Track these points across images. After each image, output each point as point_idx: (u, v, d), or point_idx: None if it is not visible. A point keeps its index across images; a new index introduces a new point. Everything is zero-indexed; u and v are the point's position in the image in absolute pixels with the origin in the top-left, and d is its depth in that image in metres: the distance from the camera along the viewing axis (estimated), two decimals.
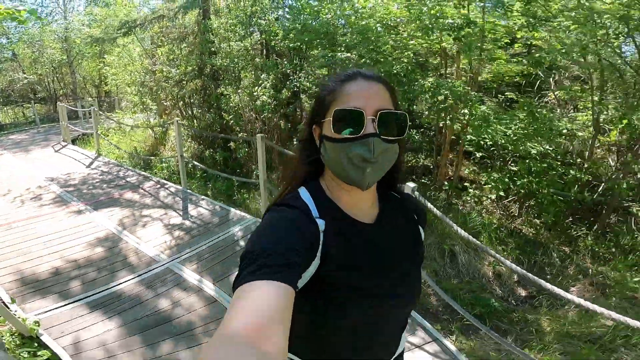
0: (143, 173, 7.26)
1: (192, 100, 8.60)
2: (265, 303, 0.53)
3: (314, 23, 6.64)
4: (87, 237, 4.44)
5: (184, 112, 9.00)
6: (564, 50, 4.72)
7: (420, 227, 0.94)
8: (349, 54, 5.83)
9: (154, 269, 3.75)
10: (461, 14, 5.02)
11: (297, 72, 7.00)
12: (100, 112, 11.66)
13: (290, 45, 6.77)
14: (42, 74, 18.36)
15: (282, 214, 0.75)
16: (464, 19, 4.90)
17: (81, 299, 3.26)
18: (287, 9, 8.62)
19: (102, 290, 3.40)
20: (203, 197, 5.77)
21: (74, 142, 11.10)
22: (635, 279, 4.01)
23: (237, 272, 0.63)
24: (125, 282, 3.54)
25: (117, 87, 13.92)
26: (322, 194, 0.83)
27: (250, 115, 6.88)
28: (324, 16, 6.50)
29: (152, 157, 8.39)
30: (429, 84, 5.11)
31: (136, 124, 9.93)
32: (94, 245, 4.23)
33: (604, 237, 4.89)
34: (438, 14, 5.06)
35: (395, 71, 5.43)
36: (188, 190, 6.00)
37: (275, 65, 7.02)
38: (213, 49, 7.38)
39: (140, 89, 8.65)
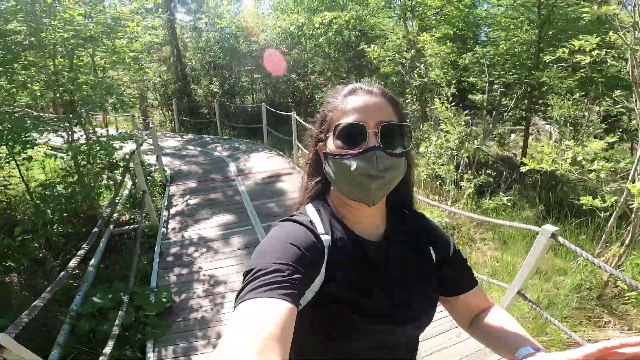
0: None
1: (173, 96, 13.28)
2: (265, 322, 0.48)
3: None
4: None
5: (165, 105, 13.64)
6: None
7: (431, 248, 0.80)
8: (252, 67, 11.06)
9: (177, 147, 8.69)
10: None
11: (233, 76, 12.05)
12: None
13: (227, 62, 11.82)
14: None
15: (286, 229, 0.67)
16: None
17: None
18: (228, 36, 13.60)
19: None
20: (189, 134, 10.70)
21: None
22: None
23: (240, 288, 0.56)
24: (168, 149, 8.42)
25: None
26: (328, 211, 0.74)
27: (208, 99, 11.84)
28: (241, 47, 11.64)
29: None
30: None
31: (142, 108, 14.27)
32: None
33: None
34: None
35: None
36: (180, 133, 10.84)
37: (220, 73, 12.02)
38: (186, 68, 12.20)
39: (140, 91, 13.16)
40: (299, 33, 7.78)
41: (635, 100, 2.17)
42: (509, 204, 3.68)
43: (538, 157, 3.12)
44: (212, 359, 0.44)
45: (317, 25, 6.56)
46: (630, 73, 2.05)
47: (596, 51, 2.14)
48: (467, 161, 4.04)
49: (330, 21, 6.32)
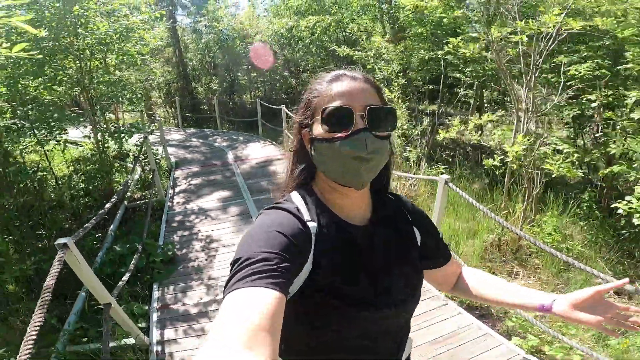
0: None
1: (176, 94, 14.03)
2: (254, 312, 0.47)
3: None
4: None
5: (168, 102, 14.41)
6: None
7: (415, 228, 0.81)
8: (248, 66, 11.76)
9: (181, 140, 9.41)
10: None
11: (231, 75, 12.76)
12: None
13: (225, 62, 12.52)
14: None
15: (272, 217, 0.66)
16: None
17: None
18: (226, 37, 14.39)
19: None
20: (192, 128, 11.43)
21: None
22: None
23: (227, 277, 0.55)
24: (173, 141, 9.15)
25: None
26: (314, 197, 0.73)
27: (209, 96, 12.57)
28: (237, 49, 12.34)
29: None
30: None
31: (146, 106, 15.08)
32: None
33: None
34: None
35: None
36: (183, 128, 11.56)
37: (220, 72, 12.76)
38: (188, 68, 12.93)
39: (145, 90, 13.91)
40: (289, 35, 8.43)
41: (508, 85, 2.80)
42: (444, 171, 4.34)
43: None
44: (202, 351, 0.42)
45: (302, 28, 7.24)
46: (497, 62, 2.67)
47: (472, 46, 2.78)
48: (423, 142, 4.71)
49: (314, 24, 6.99)
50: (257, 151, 7.81)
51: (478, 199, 3.46)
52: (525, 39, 2.59)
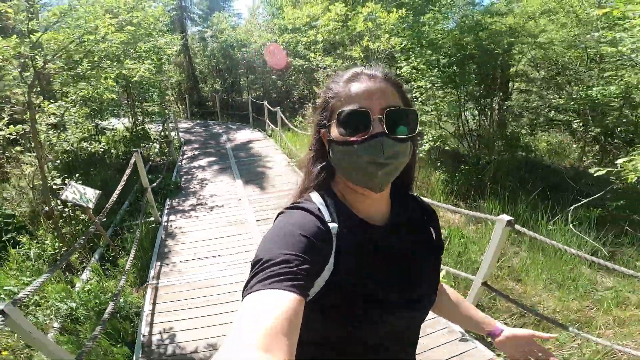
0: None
1: (185, 92, 16.64)
2: (272, 315, 0.47)
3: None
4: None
5: (180, 99, 17.04)
6: None
7: (431, 228, 0.80)
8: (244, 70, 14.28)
9: (189, 128, 11.93)
10: None
11: (231, 77, 15.30)
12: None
13: (227, 67, 15.10)
14: None
15: (293, 218, 0.65)
16: None
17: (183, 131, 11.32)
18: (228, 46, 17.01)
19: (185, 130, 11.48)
20: (197, 120, 13.96)
21: None
22: None
23: (247, 279, 0.55)
24: (182, 129, 11.64)
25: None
26: (334, 198, 0.71)
27: (213, 95, 15.12)
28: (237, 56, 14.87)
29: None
30: None
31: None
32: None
33: None
34: None
35: None
36: (191, 120, 14.08)
37: (222, 75, 15.34)
38: (196, 71, 15.53)
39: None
40: None
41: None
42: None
43: None
44: (220, 352, 0.43)
45: (280, 42, 9.66)
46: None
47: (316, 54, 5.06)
48: None
49: (288, 40, 9.41)
50: (245, 135, 10.27)
51: None
52: (361, 54, 4.86)
